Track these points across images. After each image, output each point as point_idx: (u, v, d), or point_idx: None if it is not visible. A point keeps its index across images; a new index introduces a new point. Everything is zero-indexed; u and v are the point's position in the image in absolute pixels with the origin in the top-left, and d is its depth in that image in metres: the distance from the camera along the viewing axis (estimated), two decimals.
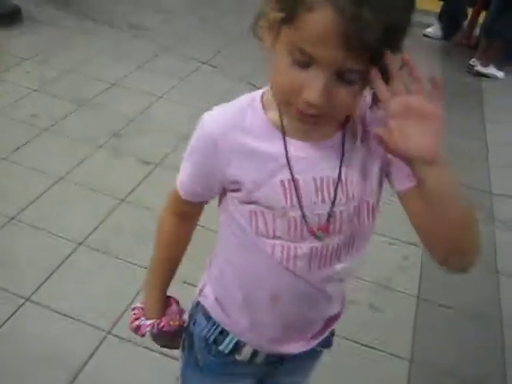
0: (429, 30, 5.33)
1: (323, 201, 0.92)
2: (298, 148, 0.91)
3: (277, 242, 0.95)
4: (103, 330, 2.04)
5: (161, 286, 1.18)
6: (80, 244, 2.40)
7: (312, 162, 0.92)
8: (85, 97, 3.48)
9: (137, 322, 1.17)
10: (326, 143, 0.92)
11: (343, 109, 0.84)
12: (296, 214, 0.92)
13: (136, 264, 2.31)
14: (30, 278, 2.22)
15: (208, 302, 1.12)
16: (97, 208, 2.62)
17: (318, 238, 0.94)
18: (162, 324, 1.16)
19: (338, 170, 0.92)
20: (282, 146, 0.91)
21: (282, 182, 0.91)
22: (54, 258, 2.32)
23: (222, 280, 1.10)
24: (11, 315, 2.06)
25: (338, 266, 0.98)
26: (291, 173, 0.91)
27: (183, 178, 1.03)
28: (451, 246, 0.88)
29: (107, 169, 2.90)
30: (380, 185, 0.97)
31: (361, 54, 0.75)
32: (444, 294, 2.47)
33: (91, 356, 1.96)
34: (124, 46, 4.25)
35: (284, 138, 0.91)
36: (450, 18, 5.30)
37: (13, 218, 2.49)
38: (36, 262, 2.30)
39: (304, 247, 0.94)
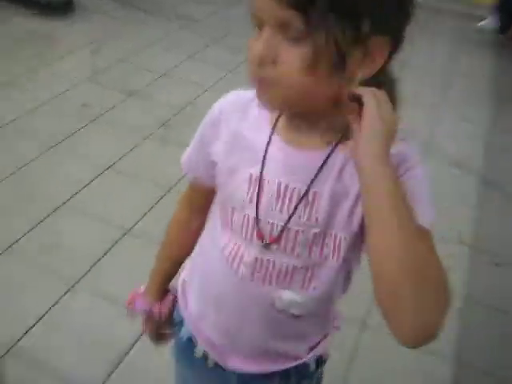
0: (483, 23, 5.18)
1: (281, 211, 0.88)
2: (279, 149, 0.88)
3: (232, 237, 0.94)
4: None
5: (162, 273, 1.21)
6: (127, 231, 2.45)
7: (286, 166, 0.88)
8: (134, 87, 3.54)
9: (134, 299, 1.23)
10: (312, 154, 0.86)
11: (290, 73, 0.76)
12: (251, 212, 0.90)
13: None
14: (79, 263, 2.28)
15: (177, 282, 1.16)
16: (144, 197, 2.66)
17: (266, 247, 0.90)
18: (153, 308, 1.19)
19: (307, 186, 0.86)
20: (266, 142, 0.89)
21: (250, 175, 0.89)
22: (101, 244, 2.38)
23: (191, 261, 1.12)
24: (59, 298, 2.12)
25: (284, 293, 0.92)
26: (261, 170, 0.88)
27: (188, 150, 1.05)
28: (402, 302, 0.71)
29: (155, 158, 2.94)
30: (355, 226, 0.87)
31: (295, 7, 0.71)
32: (491, 295, 2.42)
33: (135, 343, 2.00)
34: (173, 37, 4.30)
35: (270, 136, 0.89)
36: (508, 11, 5.13)
37: (64, 203, 2.57)
38: (85, 247, 2.36)
39: (251, 253, 0.91)
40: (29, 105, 3.22)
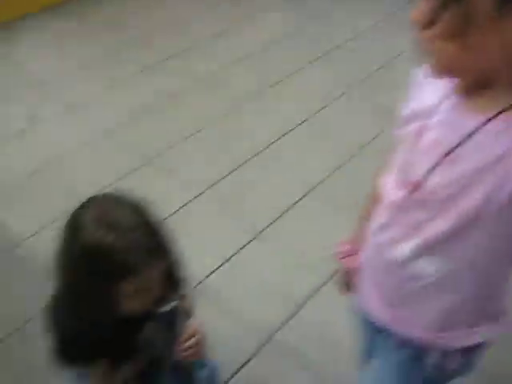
0: None
1: (428, 164, 0.88)
2: (449, 107, 0.86)
3: (393, 176, 0.98)
4: (323, 276, 2.11)
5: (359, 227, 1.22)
6: (314, 189, 2.49)
7: (446, 124, 0.86)
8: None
9: (343, 246, 1.27)
10: (475, 117, 0.82)
11: (442, 36, 0.75)
12: (406, 156, 0.93)
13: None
14: (262, 216, 2.38)
15: None
16: (333, 157, 2.67)
17: (407, 196, 0.92)
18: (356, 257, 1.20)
19: (456, 143, 0.84)
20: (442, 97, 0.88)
21: (417, 127, 0.91)
22: (287, 199, 2.45)
23: None
24: (246, 244, 2.24)
25: (407, 246, 0.93)
26: (427, 120, 0.88)
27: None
28: None
29: (344, 119, 2.92)
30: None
31: None
32: None
33: (310, 297, 2.05)
34: None
35: (449, 94, 0.87)
36: None
37: (255, 155, 2.68)
38: (270, 200, 2.45)
39: (398, 193, 0.94)
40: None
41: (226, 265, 2.16)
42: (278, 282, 2.10)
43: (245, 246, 2.24)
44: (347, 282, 1.26)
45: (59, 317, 1.15)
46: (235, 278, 2.12)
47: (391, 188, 0.98)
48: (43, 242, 2.21)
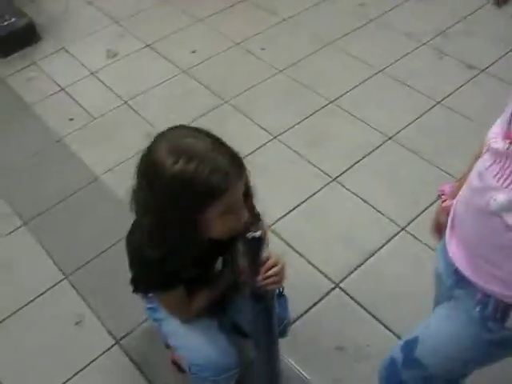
0: None
1: None
2: None
3: (498, 127, 0.96)
4: (399, 226, 2.08)
5: (465, 178, 1.15)
6: (390, 138, 2.42)
7: None
8: None
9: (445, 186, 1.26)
10: None
11: None
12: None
13: (442, 169, 2.25)
14: (339, 160, 2.34)
15: None
16: (412, 106, 2.58)
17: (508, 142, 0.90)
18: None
19: None
20: None
21: None
22: (362, 147, 2.40)
23: None
24: (318, 191, 2.23)
25: (503, 196, 0.90)
26: None
27: None
28: None
29: (428, 68, 2.80)
30: None
31: None
32: None
33: (383, 246, 2.02)
34: None
35: None
36: None
37: (331, 102, 2.62)
38: (346, 147, 2.41)
39: (500, 143, 0.92)
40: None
41: (298, 209, 2.16)
42: (348, 229, 2.09)
43: (319, 190, 2.23)
44: (441, 223, 1.23)
45: (143, 250, 1.18)
46: (307, 222, 2.12)
47: (495, 137, 0.95)
48: (119, 178, 2.29)
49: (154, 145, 1.10)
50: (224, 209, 1.09)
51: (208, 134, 1.11)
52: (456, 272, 1.06)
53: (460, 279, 1.06)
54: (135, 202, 1.15)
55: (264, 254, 1.13)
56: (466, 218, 1.03)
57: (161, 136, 1.11)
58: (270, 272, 1.15)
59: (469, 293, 1.04)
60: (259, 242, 1.08)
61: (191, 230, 1.11)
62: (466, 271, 1.03)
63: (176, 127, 1.14)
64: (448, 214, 1.14)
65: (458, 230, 1.07)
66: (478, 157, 1.07)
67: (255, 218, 1.23)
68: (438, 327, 1.17)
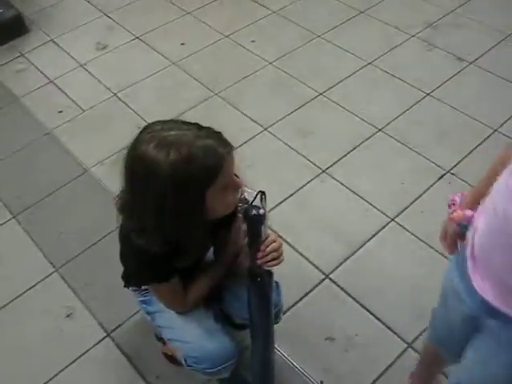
0: None
1: None
2: None
3: None
4: (388, 217, 2.09)
5: (477, 189, 1.14)
6: (379, 130, 2.43)
7: None
8: None
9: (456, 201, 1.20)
10: None
11: None
12: None
13: (432, 161, 2.26)
14: (328, 152, 2.35)
15: None
16: (401, 98, 2.59)
17: None
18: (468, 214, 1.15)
19: None
20: None
21: None
22: (352, 138, 2.41)
23: None
24: (309, 181, 2.23)
25: None
26: None
27: None
28: None
29: (417, 60, 2.81)
30: None
31: None
32: None
33: (373, 236, 2.04)
34: None
35: None
36: None
37: (321, 94, 2.63)
38: (336, 139, 2.42)
39: None
40: None
41: (288, 201, 2.17)
42: (338, 220, 2.10)
43: (308, 182, 2.24)
44: (455, 238, 1.17)
45: (140, 241, 1.18)
46: (297, 213, 2.13)
47: None
48: (109, 170, 2.29)
49: (139, 147, 1.09)
50: (224, 183, 1.12)
51: (184, 122, 1.14)
52: (483, 301, 1.03)
53: (490, 309, 1.03)
54: (129, 205, 1.17)
55: (264, 231, 1.14)
56: (493, 251, 0.98)
57: (142, 137, 1.10)
58: (269, 248, 1.16)
59: (497, 318, 1.02)
60: (261, 219, 1.09)
61: (199, 213, 1.14)
62: (495, 302, 1.01)
63: (153, 123, 1.14)
64: (457, 224, 1.12)
65: (482, 263, 1.03)
66: (497, 163, 1.04)
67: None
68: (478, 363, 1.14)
